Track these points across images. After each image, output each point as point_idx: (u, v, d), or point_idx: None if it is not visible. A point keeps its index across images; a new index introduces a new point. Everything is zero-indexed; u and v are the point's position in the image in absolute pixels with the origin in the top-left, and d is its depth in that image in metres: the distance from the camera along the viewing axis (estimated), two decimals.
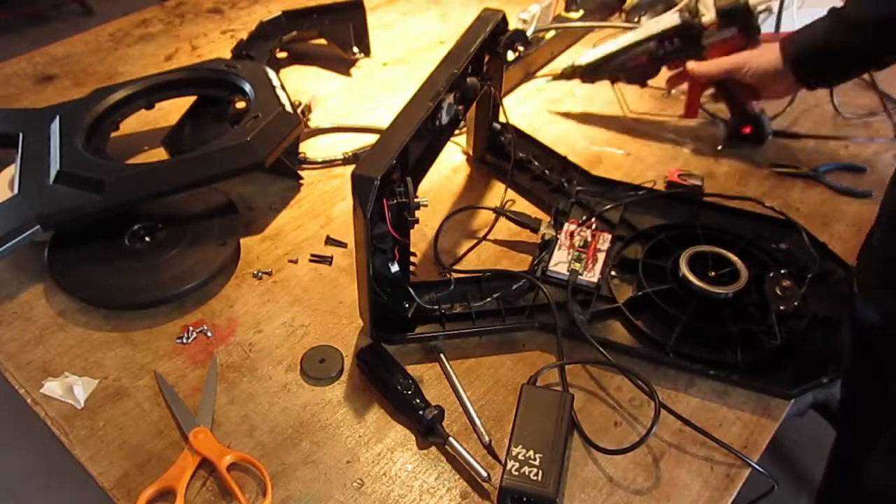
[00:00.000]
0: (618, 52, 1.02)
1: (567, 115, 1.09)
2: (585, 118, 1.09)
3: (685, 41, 0.97)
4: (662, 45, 0.99)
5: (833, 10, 0.84)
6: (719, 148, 1.02)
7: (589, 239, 0.82)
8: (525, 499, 0.60)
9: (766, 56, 0.90)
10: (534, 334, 0.75)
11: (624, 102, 1.10)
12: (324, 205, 0.93)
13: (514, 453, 0.62)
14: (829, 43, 0.84)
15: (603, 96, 1.14)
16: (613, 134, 1.06)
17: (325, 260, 0.85)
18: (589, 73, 1.05)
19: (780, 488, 0.64)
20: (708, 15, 0.94)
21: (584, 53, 1.06)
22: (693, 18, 0.95)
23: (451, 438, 0.65)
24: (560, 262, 0.80)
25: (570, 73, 1.07)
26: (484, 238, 0.86)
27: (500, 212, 0.88)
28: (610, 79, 1.06)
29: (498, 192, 0.95)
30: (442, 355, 0.73)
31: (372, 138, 1.03)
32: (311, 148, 1.03)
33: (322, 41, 1.22)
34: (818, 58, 0.86)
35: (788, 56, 0.87)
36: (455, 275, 0.79)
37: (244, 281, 0.82)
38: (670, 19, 0.98)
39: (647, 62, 1.01)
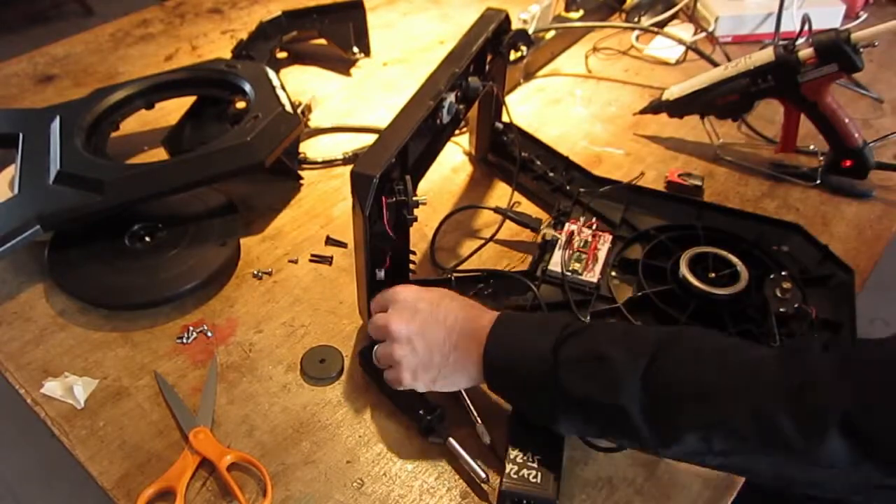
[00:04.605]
0: (708, 88, 0.96)
1: (653, 138, 1.04)
2: (670, 144, 1.04)
3: (779, 78, 0.90)
4: (755, 83, 0.92)
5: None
6: (817, 182, 0.95)
7: (590, 239, 0.82)
8: (525, 502, 0.60)
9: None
10: None
11: (714, 134, 1.02)
12: (324, 205, 0.93)
13: (511, 456, 0.62)
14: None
15: (603, 97, 1.14)
16: (613, 134, 1.06)
17: (325, 260, 0.85)
18: (677, 108, 1.00)
19: None
20: (805, 50, 0.87)
21: (670, 88, 1.00)
22: (789, 54, 0.88)
23: (450, 438, 0.65)
24: (560, 263, 0.80)
25: (655, 108, 1.02)
26: (490, 239, 0.86)
27: (501, 212, 0.88)
28: (699, 114, 1.00)
29: (500, 192, 0.95)
30: None
31: (372, 138, 1.03)
32: (311, 148, 1.03)
33: (322, 41, 1.22)
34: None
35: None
36: (454, 274, 0.79)
37: (244, 281, 0.82)
38: (763, 55, 0.90)
39: (739, 99, 0.94)
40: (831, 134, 0.93)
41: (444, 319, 0.62)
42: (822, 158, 0.96)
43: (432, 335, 0.62)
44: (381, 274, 0.70)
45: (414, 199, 0.66)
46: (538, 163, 0.94)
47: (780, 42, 0.91)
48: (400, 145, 0.65)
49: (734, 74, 0.93)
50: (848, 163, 0.94)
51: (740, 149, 1.03)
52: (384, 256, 0.69)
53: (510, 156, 0.95)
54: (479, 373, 0.61)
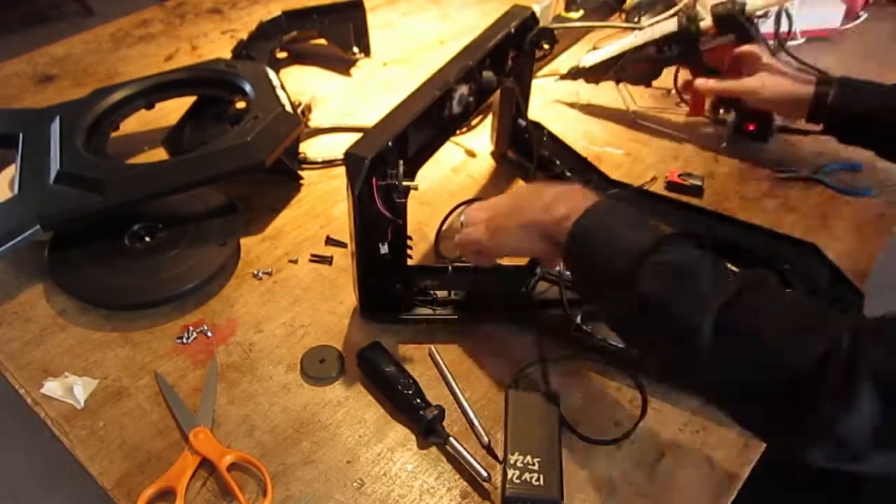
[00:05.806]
0: (619, 56, 1.02)
1: (573, 105, 1.11)
2: (589, 110, 1.11)
3: (682, 47, 0.97)
4: (661, 51, 0.99)
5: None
6: (723, 144, 1.02)
7: None
8: None
9: (783, 87, 0.88)
10: (532, 335, 0.75)
11: (630, 99, 1.10)
12: (324, 205, 0.93)
13: (511, 461, 0.62)
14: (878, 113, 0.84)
15: (606, 94, 1.14)
16: (613, 134, 1.06)
17: (325, 260, 0.85)
18: (592, 74, 1.06)
19: None
20: (706, 20, 0.93)
21: (586, 55, 1.07)
22: (690, 24, 0.94)
23: (451, 438, 0.65)
24: None
25: (574, 74, 1.08)
26: None
27: None
28: (614, 80, 1.06)
29: None
30: (438, 355, 0.73)
31: None
32: (311, 148, 1.03)
33: (322, 41, 1.22)
34: (859, 124, 0.86)
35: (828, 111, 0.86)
36: (453, 265, 0.79)
37: (244, 281, 0.82)
38: (667, 25, 0.97)
39: (649, 66, 1.01)
40: (734, 99, 0.98)
41: (517, 206, 0.68)
42: (729, 123, 1.02)
43: (504, 215, 0.68)
44: (384, 248, 0.70)
45: (405, 183, 0.66)
46: (557, 162, 0.94)
47: (684, 12, 0.96)
48: (398, 131, 0.65)
49: (642, 43, 0.99)
50: (751, 126, 1.00)
51: (655, 114, 1.09)
52: (385, 231, 0.69)
53: (530, 154, 0.95)
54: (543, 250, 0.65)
